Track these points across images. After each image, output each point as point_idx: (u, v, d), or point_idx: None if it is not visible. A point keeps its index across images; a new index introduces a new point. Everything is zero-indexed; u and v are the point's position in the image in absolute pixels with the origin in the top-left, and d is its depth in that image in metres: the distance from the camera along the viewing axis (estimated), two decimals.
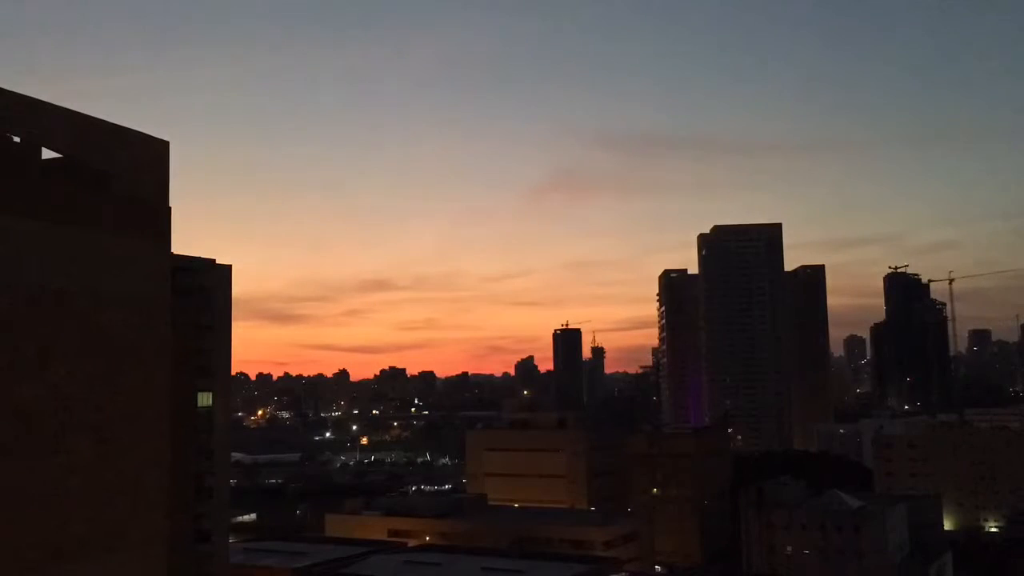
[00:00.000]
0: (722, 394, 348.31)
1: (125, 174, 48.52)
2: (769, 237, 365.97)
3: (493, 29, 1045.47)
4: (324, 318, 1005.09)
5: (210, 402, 65.06)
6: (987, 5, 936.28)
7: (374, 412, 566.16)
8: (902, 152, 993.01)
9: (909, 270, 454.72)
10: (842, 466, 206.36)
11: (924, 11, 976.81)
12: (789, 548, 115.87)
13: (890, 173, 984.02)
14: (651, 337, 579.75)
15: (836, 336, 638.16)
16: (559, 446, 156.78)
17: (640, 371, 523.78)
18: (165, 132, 51.66)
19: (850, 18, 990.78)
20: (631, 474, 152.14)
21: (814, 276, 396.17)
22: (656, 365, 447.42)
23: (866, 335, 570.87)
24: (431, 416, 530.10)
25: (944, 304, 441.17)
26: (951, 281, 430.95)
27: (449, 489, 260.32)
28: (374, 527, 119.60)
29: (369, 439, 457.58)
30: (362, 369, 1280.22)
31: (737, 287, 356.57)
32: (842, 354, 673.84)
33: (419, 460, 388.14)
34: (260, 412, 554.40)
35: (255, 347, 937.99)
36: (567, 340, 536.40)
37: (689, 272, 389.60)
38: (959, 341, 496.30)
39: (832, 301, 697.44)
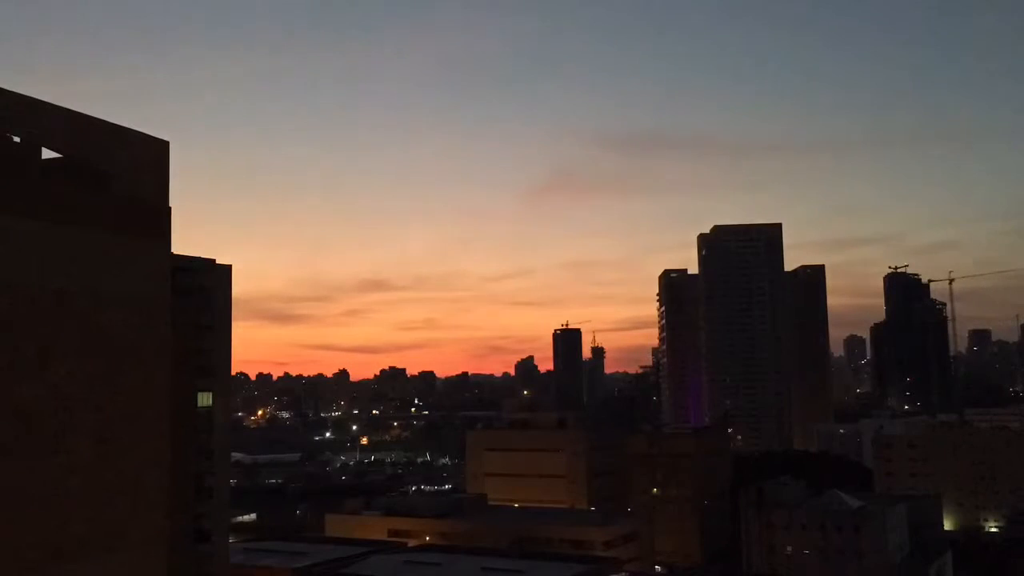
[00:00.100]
0: (722, 394, 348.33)
1: (125, 174, 48.52)
2: (769, 237, 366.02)
3: (493, 29, 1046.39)
4: (324, 318, 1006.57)
5: (210, 402, 65.04)
6: (987, 5, 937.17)
7: (374, 412, 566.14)
8: (902, 152, 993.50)
9: (909, 270, 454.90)
10: (842, 466, 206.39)
11: (924, 11, 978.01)
12: (789, 548, 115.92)
13: (890, 173, 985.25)
14: (651, 337, 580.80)
15: (836, 336, 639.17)
16: (559, 446, 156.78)
17: (640, 371, 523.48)
18: (165, 132, 51.72)
19: (850, 18, 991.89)
20: (631, 474, 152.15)
21: (814, 276, 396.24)
22: (656, 365, 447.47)
23: (866, 335, 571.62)
24: (431, 416, 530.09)
25: (944, 304, 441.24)
26: (951, 281, 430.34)
27: (449, 489, 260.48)
28: (374, 527, 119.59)
29: (369, 439, 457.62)
30: (362, 369, 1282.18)
31: (737, 287, 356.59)
32: (842, 354, 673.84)
33: (419, 460, 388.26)
34: (260, 412, 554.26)
35: (255, 347, 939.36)
36: (567, 340, 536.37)
37: (689, 272, 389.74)
38: (959, 341, 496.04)
39: (832, 301, 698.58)
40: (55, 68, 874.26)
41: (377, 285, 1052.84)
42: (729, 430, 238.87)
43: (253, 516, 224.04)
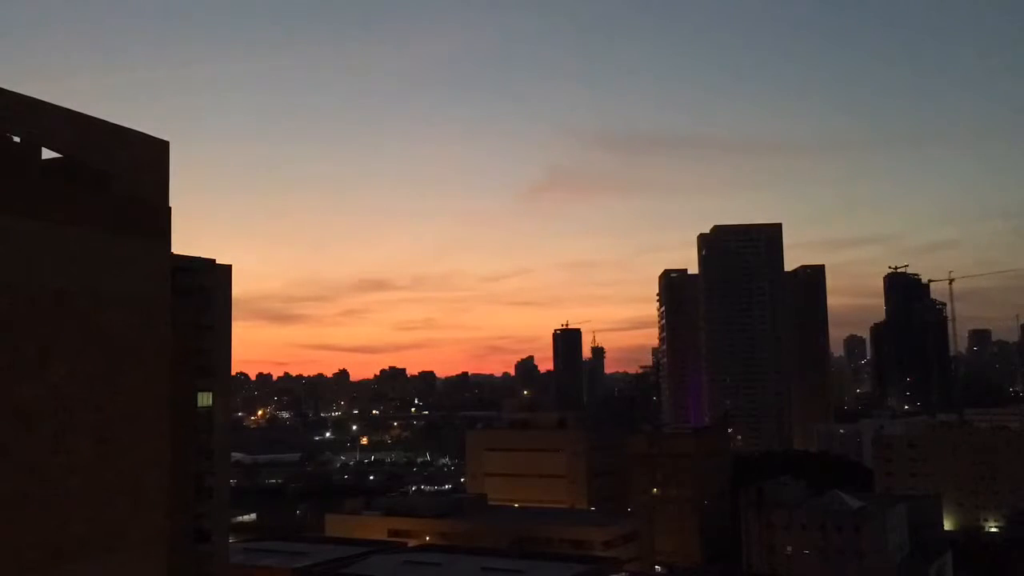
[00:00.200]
0: (722, 394, 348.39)
1: (125, 174, 48.52)
2: (769, 237, 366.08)
3: (492, 29, 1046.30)
4: (323, 318, 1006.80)
5: (210, 402, 65.04)
6: (987, 5, 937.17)
7: (374, 412, 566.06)
8: (902, 152, 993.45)
9: (909, 270, 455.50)
10: (842, 466, 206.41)
11: (924, 11, 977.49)
12: (789, 548, 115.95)
13: (890, 173, 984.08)
14: (651, 337, 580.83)
15: (836, 336, 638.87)
16: (559, 446, 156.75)
17: (640, 371, 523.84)
18: (165, 132, 51.71)
19: (850, 18, 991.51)
20: (631, 474, 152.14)
21: (814, 276, 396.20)
22: (656, 365, 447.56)
23: (866, 335, 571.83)
24: (431, 416, 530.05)
25: (944, 304, 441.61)
26: (951, 281, 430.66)
27: (449, 489, 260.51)
28: (374, 527, 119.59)
29: (369, 439, 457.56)
30: (362, 369, 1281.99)
31: (737, 287, 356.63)
32: (842, 354, 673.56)
33: (419, 460, 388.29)
34: (260, 412, 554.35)
35: (255, 347, 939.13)
36: (567, 340, 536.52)
37: (689, 272, 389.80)
38: (959, 341, 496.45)
39: (832, 301, 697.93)
40: (55, 67, 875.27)
41: (377, 285, 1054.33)
42: (729, 430, 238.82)
43: (253, 516, 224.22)
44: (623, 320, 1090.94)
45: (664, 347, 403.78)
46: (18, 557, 40.26)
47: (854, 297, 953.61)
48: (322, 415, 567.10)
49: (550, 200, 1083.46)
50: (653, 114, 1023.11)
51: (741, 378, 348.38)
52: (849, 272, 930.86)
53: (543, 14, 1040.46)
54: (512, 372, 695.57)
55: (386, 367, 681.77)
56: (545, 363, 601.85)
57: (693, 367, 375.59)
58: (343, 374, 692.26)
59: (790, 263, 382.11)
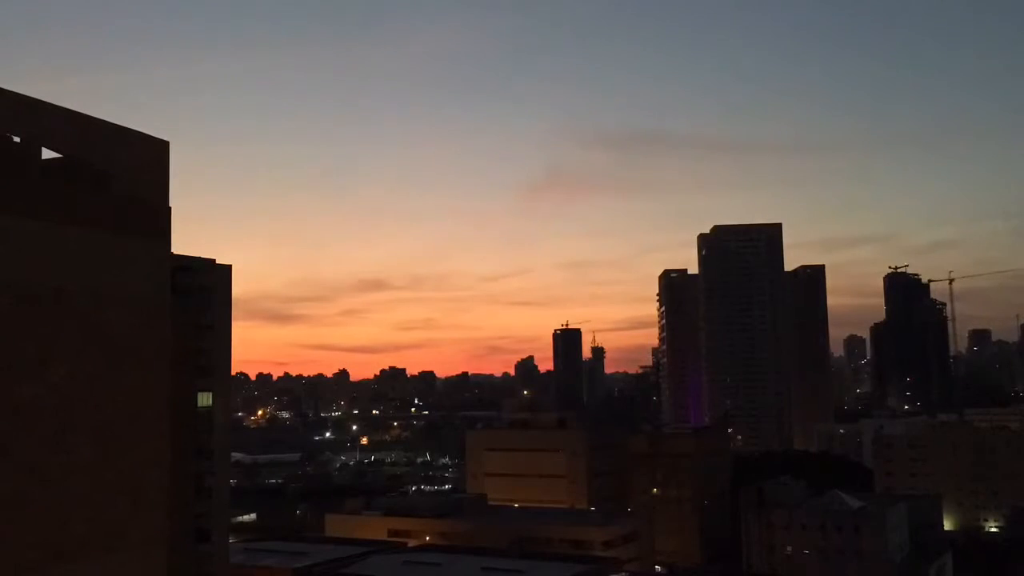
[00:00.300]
0: (722, 394, 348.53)
1: (125, 174, 48.48)
2: (769, 237, 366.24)
3: (491, 29, 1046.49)
4: (323, 318, 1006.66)
5: (210, 402, 65.13)
6: (987, 5, 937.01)
7: (374, 412, 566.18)
8: (902, 152, 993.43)
9: (909, 270, 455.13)
10: (842, 466, 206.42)
11: (924, 11, 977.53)
12: (789, 548, 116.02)
13: (890, 173, 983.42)
14: (651, 337, 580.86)
15: (836, 336, 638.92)
16: (559, 446, 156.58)
17: (640, 371, 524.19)
18: (165, 132, 51.71)
19: (850, 18, 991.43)
20: (631, 474, 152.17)
21: (814, 276, 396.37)
22: (656, 365, 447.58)
23: (866, 335, 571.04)
24: (431, 416, 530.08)
25: (944, 304, 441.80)
26: (951, 281, 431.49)
27: (449, 489, 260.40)
28: (374, 527, 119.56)
29: (369, 439, 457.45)
30: (362, 369, 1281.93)
31: (737, 287, 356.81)
32: (842, 354, 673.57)
33: (419, 460, 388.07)
34: (260, 412, 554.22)
35: (255, 347, 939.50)
36: (567, 340, 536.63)
37: (689, 272, 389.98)
38: (959, 341, 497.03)
39: (832, 301, 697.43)
40: (55, 67, 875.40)
41: (376, 285, 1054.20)
42: (729, 430, 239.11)
43: (253, 516, 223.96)
44: (623, 320, 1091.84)
45: (664, 347, 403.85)
46: (18, 557, 40.22)
47: (854, 297, 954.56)
48: (322, 415, 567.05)
49: (550, 200, 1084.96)
50: (653, 114, 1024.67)
51: (741, 378, 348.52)
52: (849, 272, 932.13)
53: (543, 14, 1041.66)
54: (512, 372, 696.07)
55: (386, 367, 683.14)
56: (545, 363, 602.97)
57: (693, 367, 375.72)
58: (343, 374, 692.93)
59: (790, 263, 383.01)
